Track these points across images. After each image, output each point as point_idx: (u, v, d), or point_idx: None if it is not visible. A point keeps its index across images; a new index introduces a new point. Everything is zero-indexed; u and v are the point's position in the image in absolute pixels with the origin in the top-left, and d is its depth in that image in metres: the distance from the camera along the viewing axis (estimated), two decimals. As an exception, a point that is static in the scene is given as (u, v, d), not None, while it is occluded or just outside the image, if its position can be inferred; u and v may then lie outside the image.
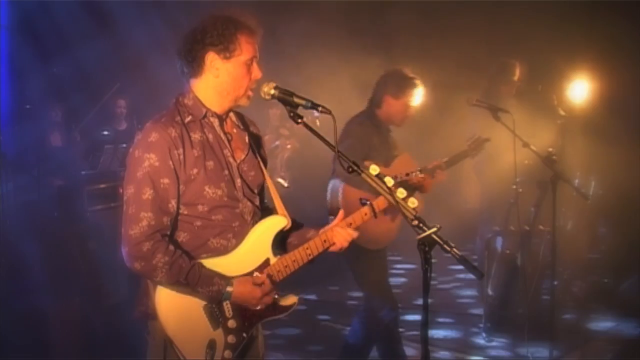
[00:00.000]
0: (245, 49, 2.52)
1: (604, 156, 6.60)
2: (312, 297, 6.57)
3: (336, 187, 4.25)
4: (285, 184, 8.18)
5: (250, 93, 2.57)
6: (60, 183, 6.74)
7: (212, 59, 2.51)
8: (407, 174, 2.73)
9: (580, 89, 7.00)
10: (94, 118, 7.73)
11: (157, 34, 7.70)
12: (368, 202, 2.76)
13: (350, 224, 2.72)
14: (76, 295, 5.24)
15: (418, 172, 2.74)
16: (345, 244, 2.71)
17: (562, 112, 6.36)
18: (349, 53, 8.01)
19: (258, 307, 2.55)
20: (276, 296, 2.61)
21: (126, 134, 7.82)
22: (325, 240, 2.67)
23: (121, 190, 6.90)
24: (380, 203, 2.76)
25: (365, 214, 2.75)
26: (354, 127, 4.28)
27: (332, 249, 2.71)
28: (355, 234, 2.72)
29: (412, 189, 2.67)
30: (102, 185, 6.54)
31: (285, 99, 2.50)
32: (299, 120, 2.50)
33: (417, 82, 4.38)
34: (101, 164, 6.92)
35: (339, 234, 2.69)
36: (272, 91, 2.51)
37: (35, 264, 5.43)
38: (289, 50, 7.89)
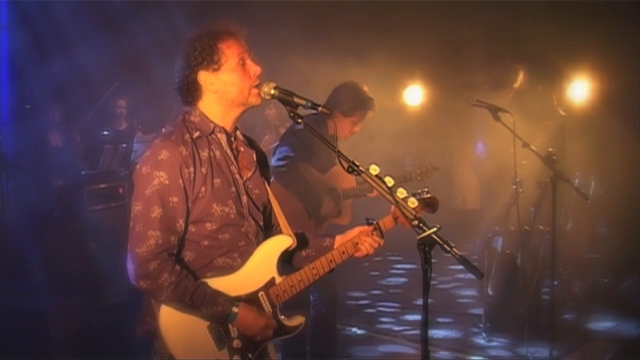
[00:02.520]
0: (229, 54, 2.50)
1: (604, 156, 6.60)
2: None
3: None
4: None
5: (256, 90, 2.54)
6: (60, 183, 6.74)
7: (204, 78, 2.51)
8: (422, 192, 2.74)
9: (580, 89, 7.01)
10: (93, 118, 7.73)
11: (156, 34, 7.70)
12: (374, 222, 2.73)
13: (357, 243, 2.70)
14: (76, 295, 5.24)
15: (425, 191, 2.75)
16: (372, 251, 2.72)
17: (562, 112, 6.37)
18: (347, 53, 8.02)
19: (258, 338, 2.54)
20: (282, 317, 2.61)
21: (126, 134, 7.82)
22: (331, 260, 2.67)
23: (121, 190, 6.97)
24: (387, 222, 2.73)
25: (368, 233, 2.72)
26: (300, 128, 4.28)
27: (357, 254, 2.71)
28: (382, 242, 2.72)
29: (426, 204, 2.68)
30: (102, 185, 6.54)
31: (286, 99, 2.49)
32: (299, 120, 2.50)
33: (370, 102, 4.39)
34: (101, 164, 6.91)
35: (366, 241, 2.69)
36: (272, 91, 2.51)
37: (35, 264, 5.43)
38: (290, 50, 7.89)
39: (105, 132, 7.73)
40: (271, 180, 4.30)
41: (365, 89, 4.41)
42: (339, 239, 2.75)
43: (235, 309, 2.47)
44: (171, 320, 2.45)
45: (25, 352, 4.61)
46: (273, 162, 4.33)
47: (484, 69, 6.73)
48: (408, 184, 4.76)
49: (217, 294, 2.47)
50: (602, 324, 5.86)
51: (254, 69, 2.55)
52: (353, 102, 4.35)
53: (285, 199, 4.24)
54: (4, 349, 4.58)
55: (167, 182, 2.41)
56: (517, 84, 6.17)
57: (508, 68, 6.25)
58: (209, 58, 2.49)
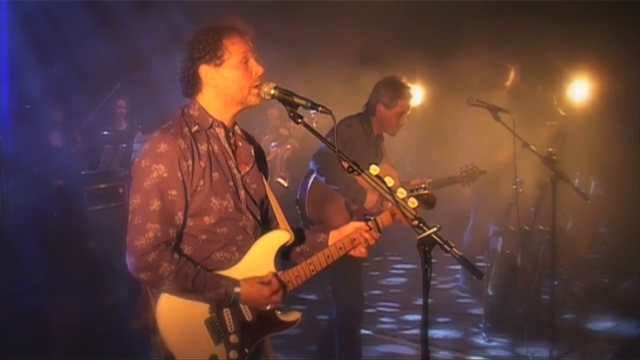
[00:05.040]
0: (233, 51, 2.51)
1: (604, 156, 6.60)
2: (312, 297, 6.56)
3: (307, 182, 4.39)
4: (285, 184, 8.17)
5: (256, 90, 2.54)
6: (60, 183, 6.73)
7: (205, 72, 2.51)
8: (420, 188, 2.73)
9: (580, 89, 7.01)
10: (93, 118, 7.74)
11: (157, 33, 7.70)
12: (372, 218, 2.73)
13: (354, 239, 2.70)
14: (76, 295, 5.24)
15: (423, 187, 2.74)
16: (366, 244, 2.71)
17: (562, 112, 6.38)
18: (347, 53, 8.02)
19: (268, 307, 2.55)
20: (279, 312, 2.61)
21: (126, 134, 7.83)
22: (328, 256, 2.67)
23: (121, 190, 6.96)
24: (384, 218, 2.73)
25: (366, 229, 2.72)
26: (342, 128, 4.31)
27: (352, 252, 2.71)
28: (378, 237, 2.71)
29: (423, 201, 2.67)
30: (102, 185, 6.54)
31: (286, 99, 2.49)
32: (299, 120, 2.49)
33: (410, 91, 4.41)
34: (101, 164, 6.92)
35: (362, 236, 2.69)
36: (272, 91, 2.51)
37: (35, 264, 5.43)
38: (291, 51, 7.89)
39: (105, 132, 7.74)
40: (312, 180, 4.34)
41: (404, 80, 4.43)
42: (333, 235, 2.75)
43: (237, 289, 2.47)
44: (168, 315, 2.45)
45: (25, 352, 4.60)
46: (311, 164, 4.36)
47: (484, 68, 6.73)
48: (454, 187, 4.82)
49: (218, 276, 2.48)
50: (602, 324, 5.86)
51: (256, 69, 2.55)
52: (392, 93, 4.37)
53: (328, 198, 4.30)
54: (4, 349, 4.58)
55: (166, 175, 2.41)
56: (508, 82, 6.26)
57: (499, 68, 6.34)
58: (212, 52, 2.49)
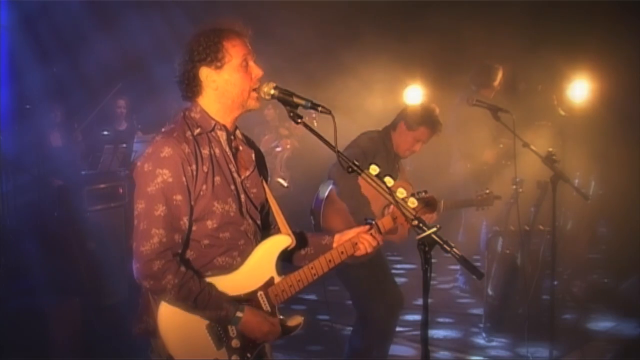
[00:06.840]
0: (234, 53, 2.50)
1: (604, 156, 6.60)
2: (312, 297, 6.56)
3: (323, 192, 4.29)
4: (285, 184, 8.17)
5: (255, 94, 2.53)
6: (60, 183, 6.73)
7: (206, 74, 2.50)
8: (421, 192, 2.73)
9: (580, 89, 7.01)
10: (93, 118, 7.73)
11: (157, 33, 7.70)
12: (373, 222, 2.73)
13: (356, 243, 2.70)
14: (76, 295, 5.24)
15: (423, 193, 2.74)
16: (370, 249, 2.72)
17: (562, 112, 6.37)
18: (348, 53, 8.01)
19: (259, 343, 2.54)
20: (281, 317, 2.60)
21: (126, 134, 7.82)
22: (330, 260, 2.66)
23: (121, 190, 6.95)
24: (385, 222, 2.74)
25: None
26: (364, 139, 4.31)
27: (357, 253, 2.71)
28: (381, 241, 2.72)
29: (425, 203, 2.67)
30: (102, 185, 6.54)
31: (285, 99, 2.49)
32: (299, 120, 2.49)
33: (437, 123, 4.37)
34: (101, 164, 6.91)
35: (365, 239, 2.69)
36: (272, 91, 2.50)
37: (35, 264, 5.43)
38: (290, 50, 7.89)
39: (105, 132, 7.74)
40: (329, 191, 4.26)
41: (437, 111, 4.40)
42: (337, 238, 2.75)
43: (239, 314, 2.45)
44: (170, 319, 2.44)
45: (25, 352, 4.60)
46: (328, 175, 4.26)
47: (472, 69, 6.75)
48: (468, 209, 4.78)
49: (222, 297, 2.46)
50: (602, 324, 5.87)
51: (256, 71, 2.54)
52: (420, 117, 4.35)
53: (345, 210, 4.19)
54: (4, 349, 4.58)
55: (170, 179, 2.40)
56: (496, 83, 6.27)
57: (488, 68, 6.34)
58: (212, 55, 2.48)
